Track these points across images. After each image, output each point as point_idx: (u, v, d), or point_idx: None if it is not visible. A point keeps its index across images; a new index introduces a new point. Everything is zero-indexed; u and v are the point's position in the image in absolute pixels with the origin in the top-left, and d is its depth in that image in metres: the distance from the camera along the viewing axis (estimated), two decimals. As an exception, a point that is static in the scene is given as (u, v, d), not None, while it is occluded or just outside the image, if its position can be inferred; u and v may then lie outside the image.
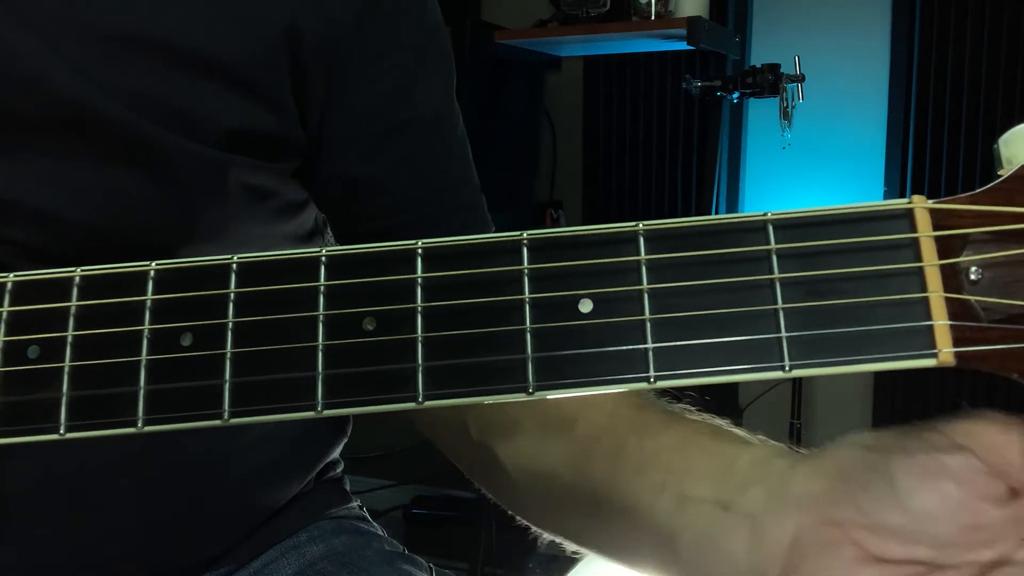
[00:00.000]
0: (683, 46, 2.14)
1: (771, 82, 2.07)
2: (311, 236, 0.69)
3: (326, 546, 0.72)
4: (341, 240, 0.69)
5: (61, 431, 0.36)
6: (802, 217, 0.30)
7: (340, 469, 0.80)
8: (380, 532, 0.77)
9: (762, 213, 0.31)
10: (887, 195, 2.29)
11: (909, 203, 0.30)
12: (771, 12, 2.38)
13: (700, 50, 2.21)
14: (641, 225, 0.31)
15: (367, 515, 0.79)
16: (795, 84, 2.08)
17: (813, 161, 2.35)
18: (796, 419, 2.12)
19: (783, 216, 0.31)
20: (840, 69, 2.30)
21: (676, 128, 2.48)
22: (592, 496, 0.50)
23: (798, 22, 2.35)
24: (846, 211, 0.30)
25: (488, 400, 0.32)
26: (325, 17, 0.57)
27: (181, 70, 0.54)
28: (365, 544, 0.73)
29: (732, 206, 2.34)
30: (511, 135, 2.51)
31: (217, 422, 0.35)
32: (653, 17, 2.07)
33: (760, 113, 2.37)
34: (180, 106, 0.54)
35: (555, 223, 2.45)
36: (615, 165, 2.55)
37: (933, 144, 2.23)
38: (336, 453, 0.79)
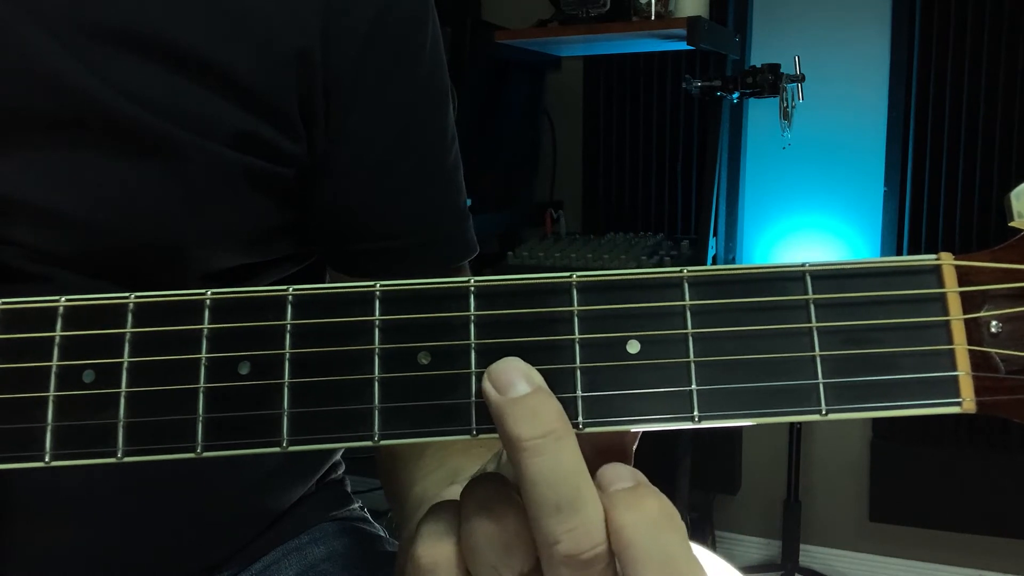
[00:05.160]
0: (683, 46, 2.14)
1: (771, 82, 2.07)
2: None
3: (328, 548, 0.72)
4: (330, 264, 0.70)
5: (119, 455, 0.36)
6: (838, 269, 0.33)
7: (342, 471, 0.81)
8: (382, 533, 0.77)
9: (800, 264, 0.33)
10: (887, 195, 2.30)
11: (937, 259, 0.32)
12: (771, 12, 2.39)
13: (700, 50, 2.21)
14: (686, 271, 0.33)
15: (369, 516, 0.80)
16: (795, 84, 2.08)
17: (813, 161, 2.36)
18: (796, 417, 2.14)
19: (820, 267, 0.33)
20: (840, 69, 2.31)
21: (676, 128, 2.49)
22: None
23: (798, 22, 2.36)
24: (879, 264, 0.32)
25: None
26: (332, 46, 0.58)
27: (192, 76, 0.54)
28: (367, 545, 0.74)
29: (732, 206, 2.35)
30: (511, 135, 2.50)
31: (276, 449, 0.35)
32: (653, 17, 2.07)
33: (760, 113, 2.38)
34: (191, 110, 0.54)
35: (555, 223, 2.46)
36: (615, 165, 2.55)
37: (933, 144, 2.25)
38: (338, 456, 0.80)
